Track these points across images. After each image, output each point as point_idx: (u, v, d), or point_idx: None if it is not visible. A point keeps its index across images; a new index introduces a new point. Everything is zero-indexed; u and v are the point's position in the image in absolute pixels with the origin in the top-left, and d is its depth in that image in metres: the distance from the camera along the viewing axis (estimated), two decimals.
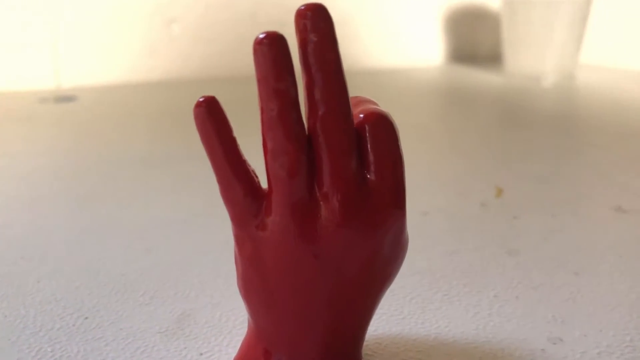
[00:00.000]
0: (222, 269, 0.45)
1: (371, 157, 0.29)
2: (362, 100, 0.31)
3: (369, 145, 0.29)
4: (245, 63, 1.36)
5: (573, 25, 1.34)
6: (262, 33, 0.27)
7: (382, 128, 0.29)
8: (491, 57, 1.69)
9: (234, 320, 0.38)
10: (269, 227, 0.29)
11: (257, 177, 0.30)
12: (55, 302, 0.40)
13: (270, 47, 0.27)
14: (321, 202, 0.28)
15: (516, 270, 0.45)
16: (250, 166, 0.29)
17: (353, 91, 1.02)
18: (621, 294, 0.42)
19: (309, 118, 0.28)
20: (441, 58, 1.68)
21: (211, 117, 0.28)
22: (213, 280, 0.43)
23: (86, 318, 0.38)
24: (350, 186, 0.28)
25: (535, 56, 1.36)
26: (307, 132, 0.28)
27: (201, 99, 0.28)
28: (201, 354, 0.35)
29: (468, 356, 0.34)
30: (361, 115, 0.29)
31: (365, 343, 0.36)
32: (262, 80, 0.27)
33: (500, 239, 0.51)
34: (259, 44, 0.27)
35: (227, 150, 0.28)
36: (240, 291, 0.31)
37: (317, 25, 0.27)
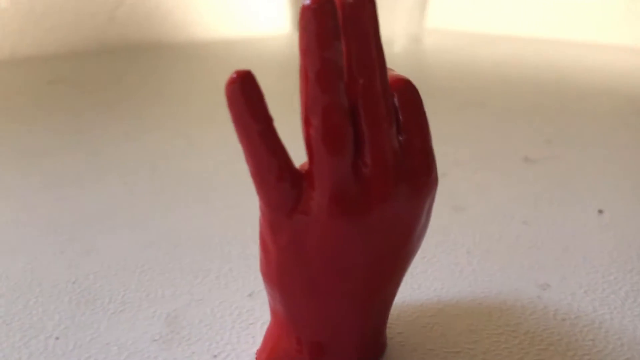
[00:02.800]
0: (184, 261, 0.41)
1: (403, 124, 0.28)
2: None
3: (400, 112, 0.28)
4: (84, 37, 1.24)
5: None
6: None
7: (412, 94, 0.29)
8: None
9: (230, 314, 0.35)
10: (313, 209, 0.26)
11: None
12: (6, 325, 0.34)
13: (315, 12, 0.24)
14: (365, 175, 0.27)
15: (470, 225, 0.47)
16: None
17: (195, 64, 0.98)
18: (568, 235, 0.45)
19: (347, 89, 0.26)
20: (288, 27, 1.68)
21: (245, 94, 0.25)
22: (181, 275, 0.39)
23: (57, 338, 0.32)
24: (395, 156, 0.27)
25: (384, 21, 1.42)
26: None
27: (234, 75, 0.24)
28: (215, 356, 0.31)
29: (478, 314, 0.35)
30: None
31: None
32: (308, 49, 0.25)
33: (443, 199, 0.53)
34: (306, 9, 0.24)
35: (264, 130, 0.25)
36: (271, 282, 0.29)
37: None
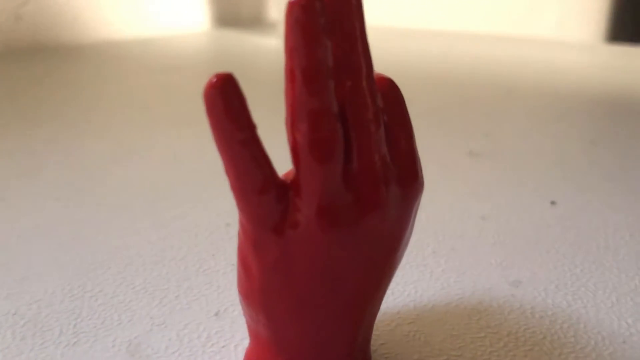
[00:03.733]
0: (137, 282, 0.37)
1: (388, 126, 0.27)
2: None
3: (385, 114, 0.26)
4: None
5: None
6: None
7: (397, 94, 0.27)
8: (256, 19, 1.69)
9: (198, 338, 0.32)
10: (302, 222, 0.24)
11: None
12: None
13: (305, 8, 0.22)
14: (355, 183, 0.25)
15: (430, 224, 0.46)
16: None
17: (112, 64, 0.93)
18: (527, 228, 0.45)
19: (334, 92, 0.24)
20: (207, 23, 1.63)
21: (226, 100, 0.22)
22: (136, 297, 0.36)
23: None
24: (384, 161, 0.25)
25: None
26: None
27: (214, 79, 0.22)
28: None
29: (457, 317, 0.34)
30: None
31: None
32: (296, 48, 0.22)
33: None
34: (295, 5, 0.22)
35: (247, 139, 0.23)
36: (254, 304, 0.26)
37: None
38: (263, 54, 1.29)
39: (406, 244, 0.28)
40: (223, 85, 0.22)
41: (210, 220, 0.46)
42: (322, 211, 0.24)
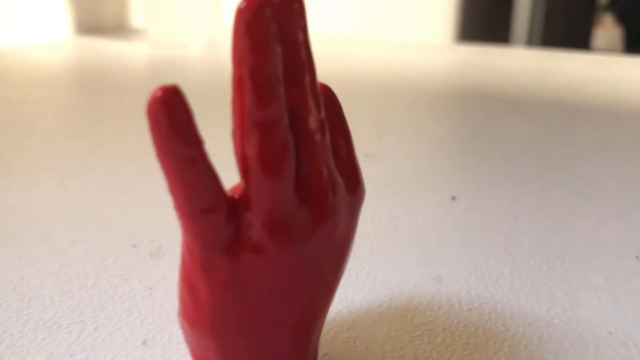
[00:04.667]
0: (46, 316, 0.34)
1: (331, 136, 0.27)
2: None
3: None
4: None
5: None
6: None
7: (335, 101, 0.27)
8: (120, 26, 1.62)
9: None
10: (254, 240, 0.23)
11: None
12: None
13: (256, 15, 0.21)
14: (306, 195, 0.24)
15: None
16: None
17: None
18: (435, 224, 0.47)
19: None
20: (67, 31, 1.53)
21: (172, 115, 0.20)
22: (48, 333, 0.32)
23: None
24: (331, 170, 0.25)
25: (178, 24, 1.36)
26: None
27: (159, 92, 0.20)
28: None
29: (392, 318, 0.34)
30: None
31: None
32: (246, 56, 0.21)
33: None
34: (244, 11, 0.21)
35: (194, 156, 0.21)
36: (202, 328, 0.25)
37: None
38: (129, 62, 1.23)
39: (352, 249, 0.28)
40: (169, 99, 0.20)
41: (114, 242, 0.43)
42: (276, 226, 0.23)
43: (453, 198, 0.53)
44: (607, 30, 3.22)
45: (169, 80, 1.09)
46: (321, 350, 0.31)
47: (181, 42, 1.37)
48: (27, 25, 1.42)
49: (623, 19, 3.03)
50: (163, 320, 0.34)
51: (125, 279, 0.38)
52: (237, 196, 0.23)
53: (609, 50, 2.99)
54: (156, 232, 0.45)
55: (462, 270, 0.40)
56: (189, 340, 0.26)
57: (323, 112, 0.25)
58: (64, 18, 1.52)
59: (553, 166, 0.63)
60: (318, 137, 0.24)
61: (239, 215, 0.23)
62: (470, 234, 0.46)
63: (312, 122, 0.24)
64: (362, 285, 0.38)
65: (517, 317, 0.34)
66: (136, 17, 1.67)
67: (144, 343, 0.32)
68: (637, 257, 0.42)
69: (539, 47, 2.82)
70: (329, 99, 0.26)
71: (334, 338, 0.32)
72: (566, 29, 3.04)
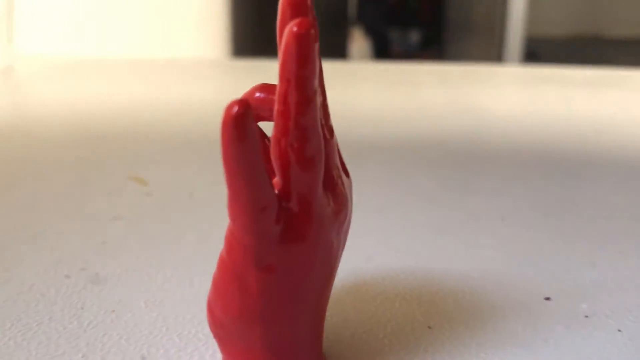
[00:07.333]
0: (31, 346, 0.32)
1: None
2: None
3: None
4: None
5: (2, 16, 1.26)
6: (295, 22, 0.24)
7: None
8: None
9: None
10: (297, 229, 0.27)
11: None
12: None
13: (307, 38, 0.24)
14: (325, 189, 0.28)
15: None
16: None
17: None
18: None
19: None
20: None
21: (249, 127, 0.23)
22: None
23: None
24: (337, 167, 0.30)
25: None
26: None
27: (236, 107, 0.23)
28: None
29: (354, 293, 0.39)
30: None
31: None
32: (295, 72, 0.24)
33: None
34: (298, 35, 0.24)
35: (260, 160, 0.25)
36: (249, 319, 0.28)
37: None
38: None
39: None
40: (246, 113, 0.23)
41: (48, 274, 0.41)
42: (315, 215, 0.27)
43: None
44: (358, 42, 3.57)
45: None
46: None
47: None
48: None
49: (369, 32, 3.43)
50: (156, 335, 0.34)
51: (82, 308, 0.37)
52: (276, 191, 0.27)
53: (361, 58, 3.31)
54: (82, 259, 0.44)
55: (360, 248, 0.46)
56: (230, 338, 0.29)
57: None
58: None
59: None
60: (329, 137, 0.28)
61: (283, 209, 0.26)
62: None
63: (328, 125, 0.28)
64: None
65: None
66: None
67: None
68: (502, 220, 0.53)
69: None
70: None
71: None
72: (329, 40, 3.33)
